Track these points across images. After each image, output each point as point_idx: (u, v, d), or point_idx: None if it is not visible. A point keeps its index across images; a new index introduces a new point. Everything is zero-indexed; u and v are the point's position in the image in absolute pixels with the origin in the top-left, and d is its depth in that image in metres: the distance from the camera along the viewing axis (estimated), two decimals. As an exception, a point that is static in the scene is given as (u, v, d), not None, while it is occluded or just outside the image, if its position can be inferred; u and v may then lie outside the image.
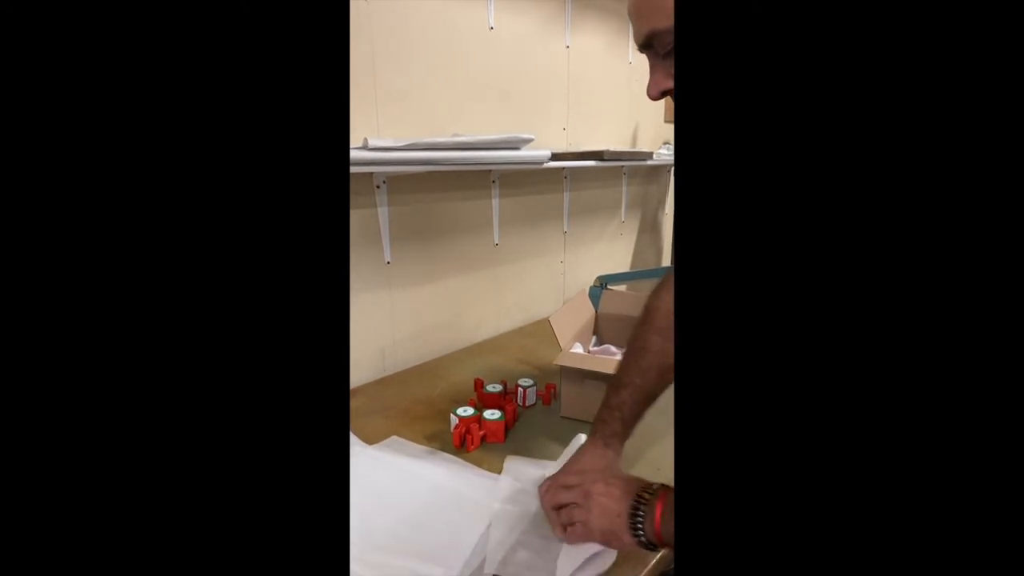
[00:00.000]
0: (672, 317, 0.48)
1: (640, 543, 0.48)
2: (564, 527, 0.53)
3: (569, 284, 1.52)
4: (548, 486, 0.57)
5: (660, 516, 0.45)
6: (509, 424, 0.83)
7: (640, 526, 0.47)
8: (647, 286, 1.55)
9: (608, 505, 0.49)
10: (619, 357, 0.89)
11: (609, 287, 1.26)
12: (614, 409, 0.60)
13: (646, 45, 0.49)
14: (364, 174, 0.96)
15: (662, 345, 0.62)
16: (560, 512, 0.54)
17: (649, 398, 0.61)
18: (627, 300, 0.98)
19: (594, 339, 1.09)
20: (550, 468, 0.66)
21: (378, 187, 1.00)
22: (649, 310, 0.66)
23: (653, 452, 0.76)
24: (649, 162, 1.46)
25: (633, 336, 0.65)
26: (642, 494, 0.48)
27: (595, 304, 1.08)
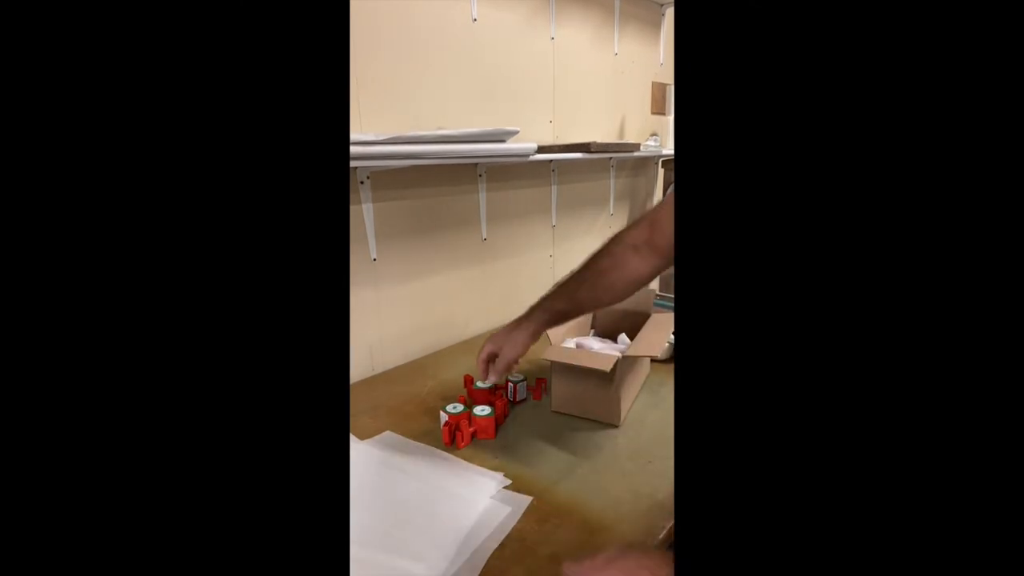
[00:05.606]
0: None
1: None
2: None
3: (559, 278, 1.51)
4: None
5: None
6: (499, 420, 0.82)
7: None
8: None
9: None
10: (615, 352, 0.88)
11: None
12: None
13: None
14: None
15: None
16: None
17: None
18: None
19: (592, 332, 1.08)
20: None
21: (361, 183, 0.99)
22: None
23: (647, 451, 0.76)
24: (636, 154, 1.46)
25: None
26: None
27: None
